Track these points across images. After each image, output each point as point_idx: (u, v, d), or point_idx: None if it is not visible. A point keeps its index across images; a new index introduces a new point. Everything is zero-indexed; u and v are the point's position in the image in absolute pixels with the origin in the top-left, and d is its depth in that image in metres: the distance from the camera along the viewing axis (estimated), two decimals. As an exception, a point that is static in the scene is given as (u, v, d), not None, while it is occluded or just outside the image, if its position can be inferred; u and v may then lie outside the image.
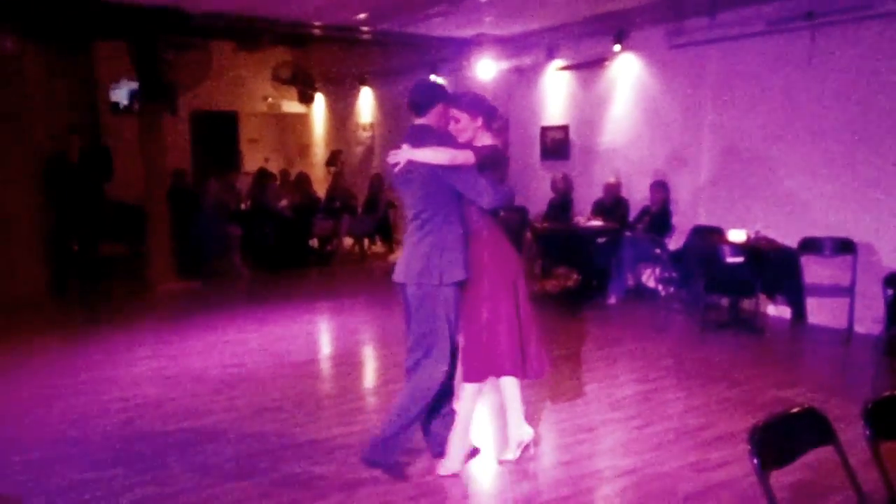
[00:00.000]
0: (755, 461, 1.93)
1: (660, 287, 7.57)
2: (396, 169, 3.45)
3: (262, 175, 10.59)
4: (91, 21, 8.58)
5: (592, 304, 7.51)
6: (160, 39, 8.87)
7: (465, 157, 3.40)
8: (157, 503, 3.31)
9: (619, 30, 8.24)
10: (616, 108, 8.61)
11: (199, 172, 11.97)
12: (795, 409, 2.14)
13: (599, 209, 8.11)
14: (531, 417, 4.36)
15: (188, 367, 5.44)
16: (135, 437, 4.09)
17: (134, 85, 10.64)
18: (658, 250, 7.33)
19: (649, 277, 7.82)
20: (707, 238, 6.88)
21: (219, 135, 13.67)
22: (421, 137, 3.45)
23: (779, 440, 2.04)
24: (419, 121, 3.54)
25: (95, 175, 8.64)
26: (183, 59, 9.62)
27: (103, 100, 11.92)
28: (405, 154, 3.40)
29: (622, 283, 7.64)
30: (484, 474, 3.67)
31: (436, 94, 3.56)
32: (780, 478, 2.30)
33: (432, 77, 9.77)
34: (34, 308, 7.65)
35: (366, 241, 11.28)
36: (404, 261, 3.54)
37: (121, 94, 12.34)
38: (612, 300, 7.54)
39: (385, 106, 12.55)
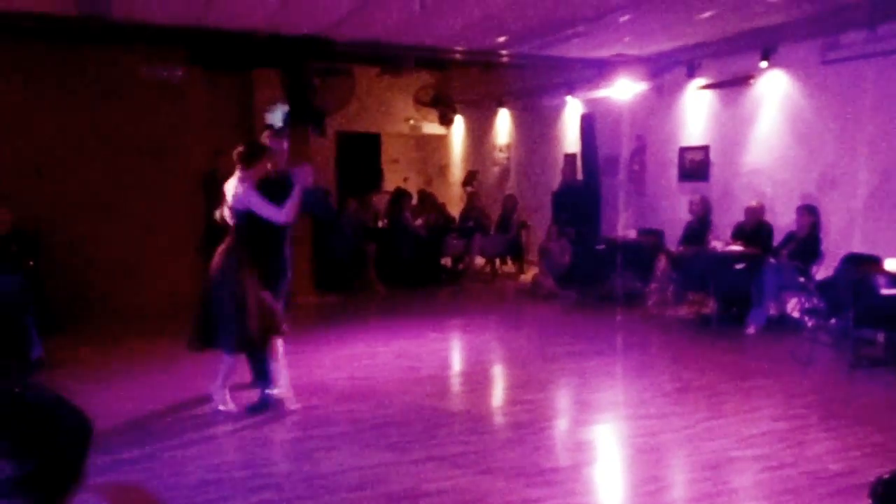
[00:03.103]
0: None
1: (805, 318, 7.06)
2: None
3: (399, 194, 10.94)
4: (249, 50, 9.28)
5: (729, 332, 7.13)
6: (308, 66, 9.44)
7: None
8: (277, 506, 3.50)
9: (766, 46, 7.85)
10: (761, 127, 8.18)
11: (343, 190, 12.55)
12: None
13: (740, 233, 7.70)
14: (653, 448, 4.21)
15: (318, 377, 5.70)
16: (260, 441, 4.34)
17: (287, 108, 11.37)
18: (803, 279, 6.85)
19: (794, 308, 7.31)
20: (861, 267, 6.35)
21: (362, 155, 14.25)
22: None
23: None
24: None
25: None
26: (329, 84, 10.15)
27: (259, 122, 12.80)
28: None
29: (763, 313, 7.19)
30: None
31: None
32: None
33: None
34: (188, 315, 8.30)
35: (497, 261, 11.34)
36: None
37: (275, 117, 13.20)
38: (752, 329, 7.11)
39: (522, 127, 12.61)
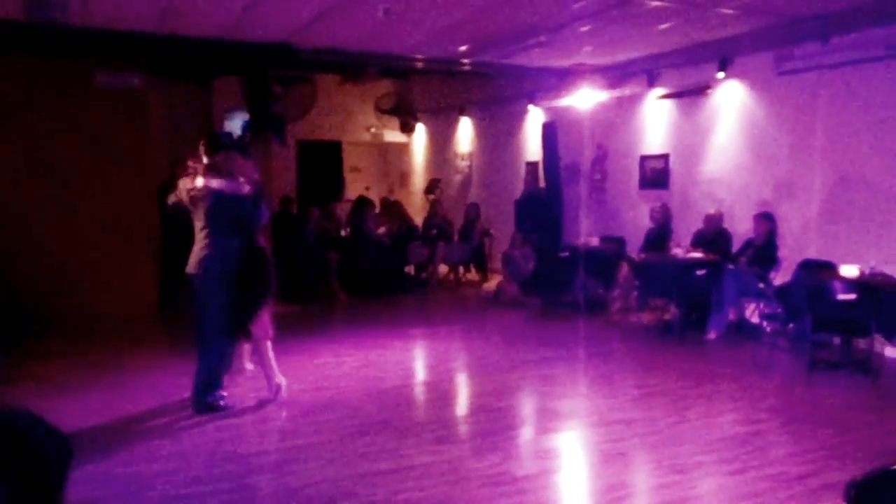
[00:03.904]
0: (849, 520, 1.78)
1: (764, 323, 7.22)
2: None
3: (362, 203, 10.88)
4: (209, 57, 9.15)
5: (691, 338, 7.24)
6: (270, 74, 9.35)
7: None
8: (245, 521, 3.43)
9: (722, 57, 8.04)
10: (719, 136, 8.35)
11: (305, 198, 12.43)
12: (901, 464, 1.97)
13: (700, 241, 7.85)
14: (619, 453, 4.25)
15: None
16: (227, 455, 4.25)
17: (246, 116, 11.25)
18: (762, 285, 7.00)
19: (753, 313, 7.47)
20: (816, 273, 6.51)
21: (323, 163, 14.15)
22: None
23: (880, 499, 1.87)
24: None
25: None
26: (290, 92, 10.08)
27: (218, 130, 12.62)
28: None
29: (723, 318, 7.32)
30: (567, 512, 3.58)
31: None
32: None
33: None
34: (144, 323, 8.14)
35: (461, 269, 11.36)
36: None
37: (234, 125, 13.04)
38: (712, 335, 7.24)
39: (484, 135, 12.67)
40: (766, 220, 7.36)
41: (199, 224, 5.00)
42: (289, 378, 5.70)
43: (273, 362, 5.29)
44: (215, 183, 4.95)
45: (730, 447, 4.36)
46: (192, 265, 4.98)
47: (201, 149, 5.09)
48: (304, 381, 5.82)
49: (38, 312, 7.60)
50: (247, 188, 5.07)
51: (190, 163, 5.15)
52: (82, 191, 8.31)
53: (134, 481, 3.86)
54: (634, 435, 4.58)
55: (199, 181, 4.96)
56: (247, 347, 5.75)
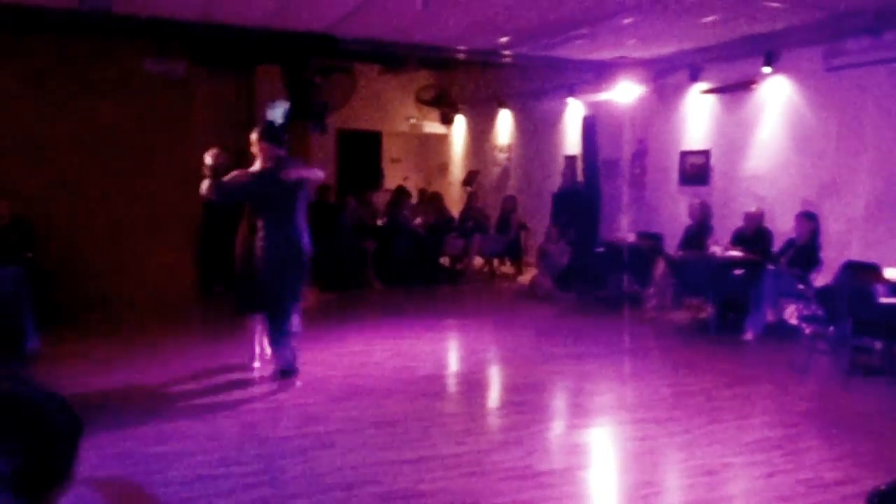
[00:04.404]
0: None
1: (803, 325, 7.05)
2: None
3: (400, 193, 10.93)
4: (251, 46, 9.26)
5: (727, 338, 7.12)
6: (310, 63, 9.42)
7: None
8: (270, 505, 3.48)
9: (769, 51, 7.84)
10: (763, 132, 8.17)
11: (343, 188, 12.53)
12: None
13: (739, 239, 7.70)
14: (647, 452, 4.21)
15: (313, 374, 5.67)
16: (255, 438, 4.32)
17: (288, 105, 11.37)
18: (802, 286, 6.84)
19: (792, 314, 7.30)
20: (860, 275, 6.34)
21: (363, 153, 14.23)
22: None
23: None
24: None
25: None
26: (330, 82, 10.14)
27: (261, 118, 12.79)
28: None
29: (761, 319, 7.17)
30: (590, 508, 3.56)
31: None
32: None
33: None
34: (184, 306, 8.32)
35: (495, 262, 11.33)
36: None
37: (276, 114, 13.18)
38: (749, 336, 7.10)
39: (522, 128, 12.60)
40: (809, 220, 7.18)
41: (278, 211, 5.30)
42: (320, 365, 5.79)
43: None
44: (304, 172, 5.45)
45: (762, 450, 4.28)
46: (296, 246, 5.34)
47: (263, 137, 5.31)
48: (334, 368, 5.88)
49: (82, 293, 7.81)
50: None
51: (263, 152, 5.34)
52: (128, 175, 8.51)
53: (163, 459, 3.95)
54: (663, 434, 4.52)
55: (293, 172, 5.32)
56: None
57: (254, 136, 5.36)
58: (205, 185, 5.21)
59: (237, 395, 5.18)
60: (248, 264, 5.46)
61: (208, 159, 5.21)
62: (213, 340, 6.77)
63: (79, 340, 6.67)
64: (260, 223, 5.35)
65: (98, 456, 3.84)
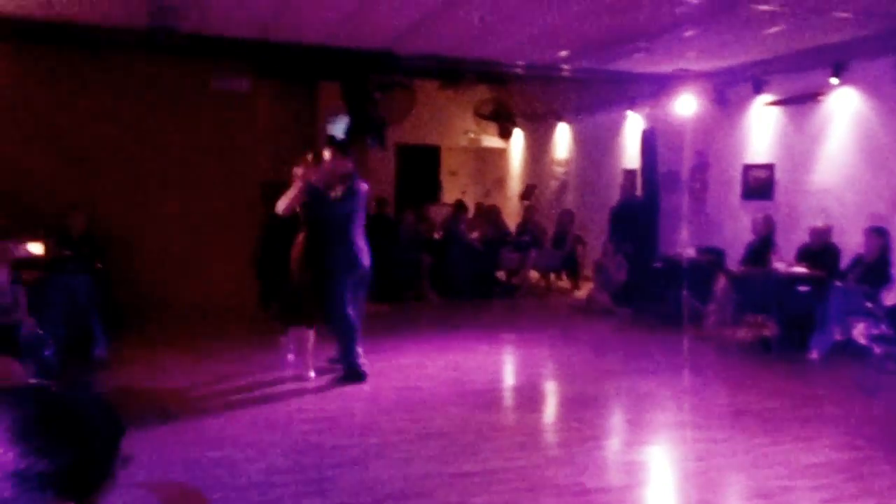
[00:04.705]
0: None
1: (872, 345, 6.77)
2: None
3: (458, 207, 10.99)
4: (313, 63, 9.48)
5: (790, 357, 6.89)
6: (370, 79, 9.59)
7: None
8: (321, 512, 3.54)
9: (837, 62, 7.62)
10: (830, 145, 7.92)
11: (401, 201, 12.67)
12: None
13: (805, 255, 7.46)
14: (701, 472, 4.11)
15: (367, 385, 5.74)
16: (308, 447, 4.39)
17: (348, 120, 11.58)
18: (871, 304, 6.58)
19: (860, 333, 7.02)
20: (934, 294, 6.07)
21: (421, 167, 14.37)
22: None
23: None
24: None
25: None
26: (389, 97, 10.29)
27: (321, 132, 13.05)
28: None
29: (827, 338, 6.92)
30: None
31: None
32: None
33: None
34: (244, 316, 8.51)
35: (552, 276, 11.26)
36: None
37: (337, 129, 13.43)
38: (814, 355, 6.86)
39: (581, 141, 12.52)
40: (879, 236, 6.92)
41: (349, 224, 5.66)
42: (374, 376, 5.86)
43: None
44: (365, 186, 5.82)
45: (825, 474, 4.12)
46: (366, 259, 5.73)
47: (333, 154, 5.76)
48: (389, 380, 5.93)
49: (147, 301, 8.09)
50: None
51: (336, 166, 5.74)
52: (192, 187, 8.80)
53: (218, 466, 4.05)
54: (720, 454, 4.41)
55: (364, 185, 5.74)
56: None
57: (327, 152, 5.75)
58: (289, 198, 5.50)
59: (292, 404, 5.29)
60: (304, 276, 5.59)
61: (299, 172, 5.57)
62: (271, 350, 6.90)
63: (142, 347, 6.90)
64: (319, 236, 5.52)
65: (155, 460, 3.97)
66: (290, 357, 6.20)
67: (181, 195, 8.75)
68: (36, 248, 6.62)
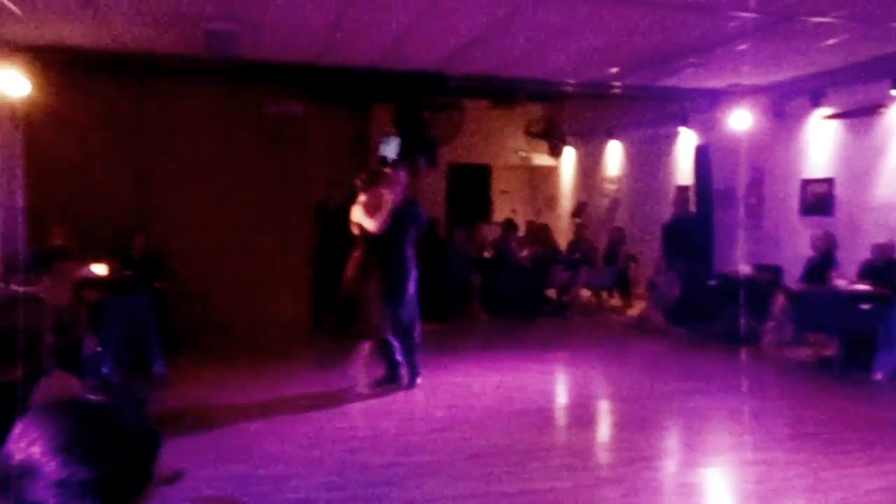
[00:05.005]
0: None
1: (942, 366, 6.49)
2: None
3: (508, 226, 10.99)
4: (364, 85, 9.66)
5: (853, 378, 6.65)
6: (421, 100, 9.71)
7: None
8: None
9: (898, 73, 7.39)
10: (892, 159, 7.66)
11: (453, 221, 12.72)
12: None
13: (867, 272, 7.20)
14: (758, 496, 3.98)
15: (414, 404, 5.77)
16: (357, 464, 4.42)
17: (399, 140, 11.73)
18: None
19: (929, 354, 6.73)
20: None
21: (472, 186, 14.41)
22: None
23: None
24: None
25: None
26: (439, 118, 10.39)
27: (374, 154, 13.23)
28: None
29: (892, 358, 6.65)
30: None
31: None
32: None
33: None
34: (298, 335, 8.65)
35: (603, 294, 11.12)
36: None
37: (389, 149, 13.59)
38: (878, 375, 6.59)
39: (633, 158, 12.39)
40: (946, 252, 6.64)
41: (406, 242, 6.04)
42: (423, 394, 5.87)
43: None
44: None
45: (887, 500, 3.96)
46: (406, 275, 6.03)
47: (407, 175, 6.23)
48: (438, 398, 5.95)
49: (204, 319, 8.29)
50: None
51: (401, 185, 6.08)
52: (247, 208, 9.02)
53: (268, 482, 4.12)
54: (781, 477, 4.27)
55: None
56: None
57: (399, 173, 6.17)
58: (378, 219, 5.76)
59: (343, 422, 5.34)
60: (363, 290, 5.78)
61: (387, 195, 5.82)
62: (323, 367, 7.00)
63: (198, 364, 7.07)
64: (377, 254, 5.81)
65: (207, 475, 4.05)
66: (354, 370, 6.27)
67: (236, 217, 8.97)
68: (100, 270, 6.86)
